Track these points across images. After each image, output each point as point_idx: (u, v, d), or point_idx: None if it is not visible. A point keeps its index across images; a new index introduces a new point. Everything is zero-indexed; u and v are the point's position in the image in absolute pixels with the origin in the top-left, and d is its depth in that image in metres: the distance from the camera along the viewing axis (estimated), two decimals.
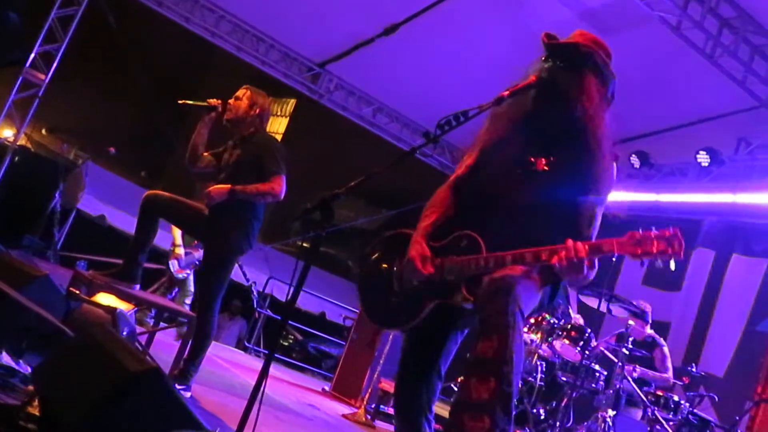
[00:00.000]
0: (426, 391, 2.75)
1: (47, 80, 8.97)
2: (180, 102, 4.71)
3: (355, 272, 14.66)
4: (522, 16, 7.44)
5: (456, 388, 6.99)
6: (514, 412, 2.32)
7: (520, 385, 6.97)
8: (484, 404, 2.26)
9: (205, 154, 4.76)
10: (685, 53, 7.06)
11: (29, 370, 3.03)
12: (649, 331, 6.99)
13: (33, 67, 8.92)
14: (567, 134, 2.71)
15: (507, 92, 2.68)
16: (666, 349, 6.93)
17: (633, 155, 8.66)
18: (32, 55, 8.87)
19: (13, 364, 3.02)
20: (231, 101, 4.70)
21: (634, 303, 6.97)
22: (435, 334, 2.75)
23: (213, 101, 4.66)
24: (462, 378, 2.43)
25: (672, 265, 2.36)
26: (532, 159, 2.71)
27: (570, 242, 2.38)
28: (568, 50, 2.74)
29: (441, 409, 4.82)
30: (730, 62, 7.07)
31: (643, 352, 6.70)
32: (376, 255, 2.95)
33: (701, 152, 8.09)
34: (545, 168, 2.69)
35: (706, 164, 8.15)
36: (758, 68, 7.18)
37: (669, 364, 6.84)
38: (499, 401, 2.27)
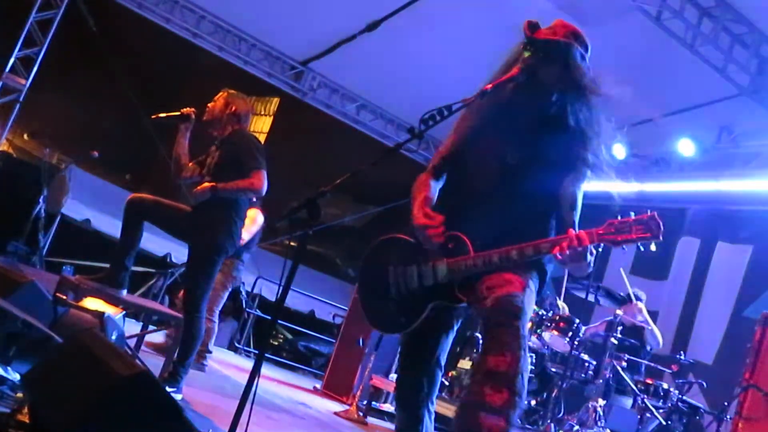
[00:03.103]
0: (427, 383, 2.80)
1: (27, 85, 8.89)
2: (153, 117, 4.69)
3: (343, 270, 14.66)
4: (503, 9, 7.44)
5: (447, 383, 7.01)
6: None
7: None
8: (498, 409, 2.36)
9: (190, 164, 4.77)
10: (666, 43, 7.10)
11: (18, 377, 3.01)
12: (638, 318, 7.04)
13: (12, 72, 8.83)
14: (542, 124, 2.74)
15: (490, 86, 2.70)
16: (653, 326, 7.01)
17: (616, 145, 8.69)
18: (11, 60, 8.78)
19: (1, 372, 3.00)
20: (210, 104, 4.72)
21: (626, 291, 7.02)
22: (431, 328, 2.79)
23: (186, 110, 4.65)
24: (472, 382, 2.50)
25: (653, 247, 2.40)
26: (507, 151, 2.74)
27: (571, 231, 2.46)
28: (549, 46, 2.75)
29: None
30: (711, 51, 7.11)
31: (632, 340, 6.75)
32: (371, 262, 2.98)
33: (684, 141, 8.15)
34: (519, 160, 2.72)
35: (690, 153, 8.21)
36: (738, 56, 7.22)
37: (657, 333, 6.93)
38: (512, 408, 2.37)
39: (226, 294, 7.02)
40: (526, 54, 2.75)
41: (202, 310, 4.50)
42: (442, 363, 2.84)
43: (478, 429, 2.34)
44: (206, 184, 4.46)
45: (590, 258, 2.45)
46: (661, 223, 2.36)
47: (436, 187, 2.90)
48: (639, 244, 2.40)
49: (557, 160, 2.68)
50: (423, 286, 2.73)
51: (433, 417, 2.80)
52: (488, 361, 2.43)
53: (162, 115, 4.69)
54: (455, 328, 2.87)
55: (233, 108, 4.70)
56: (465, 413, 2.43)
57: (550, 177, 2.66)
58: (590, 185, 2.78)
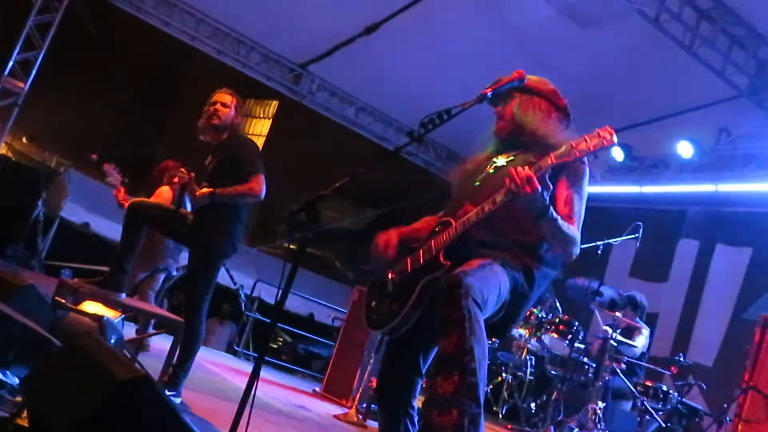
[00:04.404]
0: (405, 388, 2.84)
1: (26, 88, 8.89)
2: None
3: (342, 272, 14.67)
4: (503, 12, 7.45)
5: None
6: (483, 399, 2.36)
7: (510, 380, 7.03)
8: (450, 398, 2.31)
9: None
10: (665, 45, 7.11)
11: (17, 381, 3.01)
12: (637, 321, 7.04)
13: (11, 76, 8.83)
14: (530, 135, 2.88)
15: (489, 89, 2.73)
16: (645, 331, 6.99)
17: (615, 148, 8.71)
18: (10, 64, 8.78)
19: (0, 376, 3.00)
20: (219, 107, 4.64)
21: (625, 294, 7.02)
22: (414, 334, 2.80)
23: (183, 176, 4.57)
24: (430, 377, 2.49)
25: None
26: (494, 159, 2.92)
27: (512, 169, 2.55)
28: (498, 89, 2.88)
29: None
30: (709, 53, 7.12)
31: (630, 342, 6.75)
32: (378, 277, 3.03)
33: (683, 143, 8.15)
34: (504, 164, 2.85)
35: (688, 155, 8.21)
36: (737, 58, 7.24)
37: (640, 339, 6.90)
38: (465, 392, 2.31)
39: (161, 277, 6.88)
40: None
41: (202, 314, 4.49)
42: (422, 370, 2.85)
43: (431, 430, 2.33)
44: (205, 190, 4.45)
45: (541, 189, 2.51)
46: (612, 130, 2.52)
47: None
48: (594, 153, 2.54)
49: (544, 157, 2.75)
50: (413, 270, 2.81)
51: (415, 420, 2.82)
52: (439, 348, 2.44)
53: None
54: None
55: (240, 118, 4.72)
56: (423, 416, 2.43)
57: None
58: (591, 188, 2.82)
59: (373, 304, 2.99)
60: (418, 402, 2.84)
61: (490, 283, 2.54)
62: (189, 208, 5.27)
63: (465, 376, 2.31)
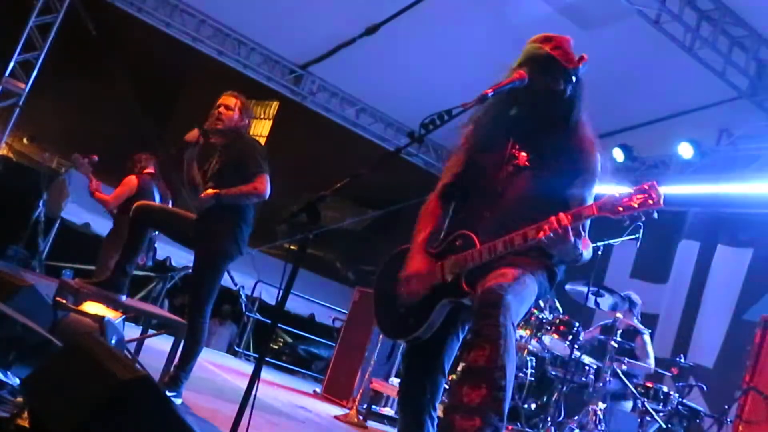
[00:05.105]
0: (430, 389, 2.82)
1: (27, 89, 8.89)
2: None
3: (343, 273, 14.66)
4: (503, 13, 7.45)
5: (448, 387, 7.00)
6: (506, 413, 2.37)
7: None
8: (475, 408, 2.32)
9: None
10: (665, 46, 7.11)
11: (18, 381, 3.01)
12: (634, 321, 7.04)
13: (12, 77, 8.83)
14: (548, 129, 2.78)
15: (490, 90, 2.71)
16: (647, 337, 6.98)
17: (616, 149, 8.70)
18: (11, 64, 8.78)
19: (1, 376, 3.00)
20: (223, 110, 4.63)
21: (622, 294, 7.02)
22: (437, 332, 2.79)
23: (192, 137, 4.58)
24: (453, 383, 2.47)
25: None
26: (516, 154, 2.80)
27: (553, 217, 2.48)
28: (552, 63, 2.79)
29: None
30: (710, 54, 7.13)
31: (629, 343, 6.74)
32: (384, 274, 3.00)
33: (683, 144, 8.15)
34: (526, 163, 2.78)
35: (689, 156, 8.21)
36: (737, 59, 7.25)
37: (650, 350, 6.89)
38: (490, 405, 2.33)
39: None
40: (528, 68, 2.79)
41: (205, 316, 4.49)
42: (446, 369, 2.84)
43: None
44: (210, 191, 4.44)
45: (573, 239, 2.46)
46: (659, 191, 2.39)
47: (444, 215, 2.92)
48: (641, 213, 2.42)
49: (560, 164, 2.73)
50: (432, 285, 2.75)
51: (435, 423, 2.80)
52: (468, 357, 2.43)
53: (173, 152, 4.69)
54: (461, 337, 2.86)
55: (248, 120, 4.72)
56: (444, 418, 2.43)
57: (558, 179, 2.70)
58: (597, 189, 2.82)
59: (387, 314, 2.94)
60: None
61: (524, 301, 2.56)
62: (157, 199, 5.25)
63: (493, 391, 2.34)
